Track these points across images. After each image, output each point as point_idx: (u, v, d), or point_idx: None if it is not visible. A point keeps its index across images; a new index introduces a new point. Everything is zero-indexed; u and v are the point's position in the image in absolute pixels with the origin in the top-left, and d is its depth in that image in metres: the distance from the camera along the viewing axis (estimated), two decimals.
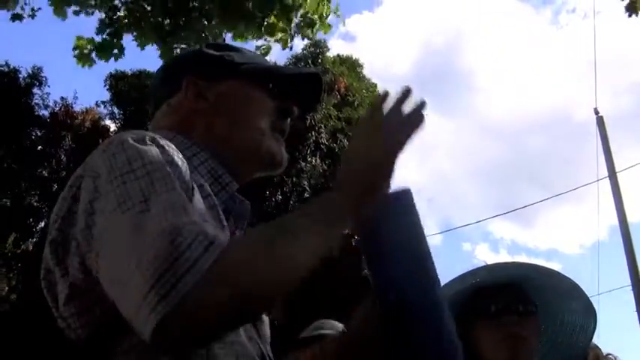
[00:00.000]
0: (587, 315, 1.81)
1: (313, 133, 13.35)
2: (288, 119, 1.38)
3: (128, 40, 6.57)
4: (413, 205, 1.25)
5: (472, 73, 59.83)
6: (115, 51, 6.57)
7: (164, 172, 0.99)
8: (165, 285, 0.84)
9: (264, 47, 6.43)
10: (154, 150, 1.03)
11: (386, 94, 1.23)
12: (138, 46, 6.44)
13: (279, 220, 1.05)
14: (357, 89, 15.21)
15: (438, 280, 1.22)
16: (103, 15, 6.49)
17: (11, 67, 14.77)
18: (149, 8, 6.32)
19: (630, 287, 11.70)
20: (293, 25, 6.40)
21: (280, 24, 6.30)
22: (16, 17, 6.74)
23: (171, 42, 6.29)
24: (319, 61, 14.87)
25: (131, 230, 0.91)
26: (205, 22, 6.30)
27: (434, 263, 1.22)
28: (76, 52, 6.54)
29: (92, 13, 6.50)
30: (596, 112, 12.92)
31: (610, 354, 2.22)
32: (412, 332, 1.17)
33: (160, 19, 6.31)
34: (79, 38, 6.58)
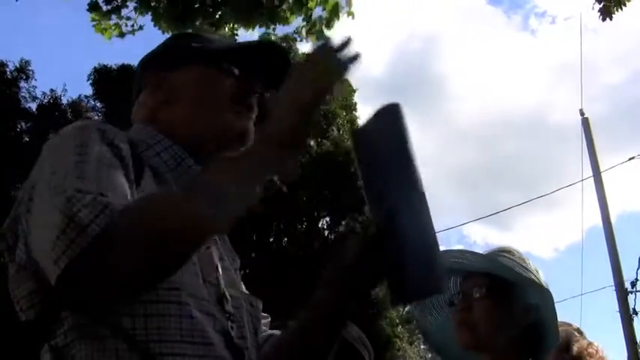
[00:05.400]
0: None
1: None
2: (251, 94, 1.38)
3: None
4: (400, 117, 1.24)
5: (445, 78, 60.25)
6: (129, 27, 6.45)
7: (89, 154, 1.07)
8: (69, 235, 0.94)
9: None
10: (89, 134, 1.12)
11: (326, 43, 1.21)
12: (159, 29, 6.30)
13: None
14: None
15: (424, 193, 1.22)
16: None
17: None
18: None
19: (613, 288, 11.80)
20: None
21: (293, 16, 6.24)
22: None
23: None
24: (291, 54, 14.79)
25: (49, 203, 1.01)
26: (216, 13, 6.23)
27: (420, 175, 1.22)
28: (94, 24, 6.45)
29: None
30: (582, 114, 13.03)
31: (592, 343, 2.19)
32: (402, 244, 1.18)
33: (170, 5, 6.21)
34: (89, 10, 6.48)
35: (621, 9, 6.61)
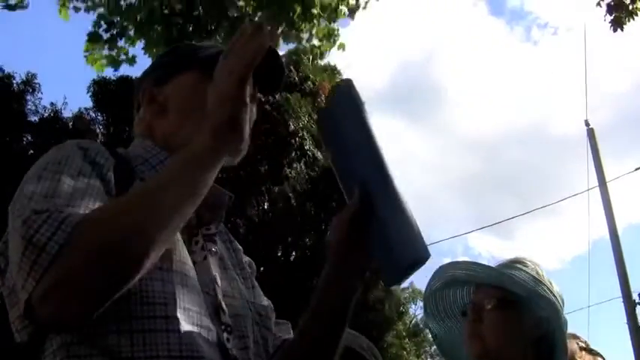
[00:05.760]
0: None
1: (297, 139, 13.31)
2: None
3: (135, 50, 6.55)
4: (356, 96, 1.26)
5: (447, 88, 60.57)
6: (123, 56, 6.52)
7: (65, 170, 1.09)
8: (30, 257, 0.95)
9: None
10: (68, 153, 1.15)
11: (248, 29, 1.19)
12: (149, 56, 6.40)
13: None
14: None
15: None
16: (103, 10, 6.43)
17: (5, 72, 14.74)
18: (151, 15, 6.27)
19: (621, 299, 11.72)
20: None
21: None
22: (11, 7, 6.60)
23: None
24: (299, 67, 14.96)
25: (12, 226, 1.02)
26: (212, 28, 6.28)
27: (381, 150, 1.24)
28: (87, 54, 6.51)
29: (93, 9, 6.43)
30: (587, 124, 12.99)
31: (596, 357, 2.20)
32: (380, 219, 1.19)
33: (164, 26, 6.26)
34: (88, 41, 6.53)
35: (633, 19, 6.63)
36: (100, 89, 12.77)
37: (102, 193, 1.10)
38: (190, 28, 6.29)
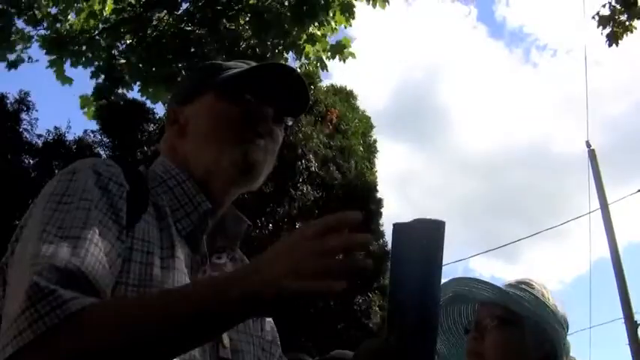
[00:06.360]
0: None
1: (304, 161, 13.35)
2: (262, 121, 1.32)
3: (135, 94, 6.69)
4: (439, 239, 1.18)
5: (448, 110, 60.61)
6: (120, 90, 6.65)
7: (77, 205, 1.07)
8: (22, 323, 0.93)
9: None
10: (83, 179, 1.12)
11: (348, 217, 0.98)
12: (147, 98, 6.55)
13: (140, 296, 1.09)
14: (350, 119, 15.26)
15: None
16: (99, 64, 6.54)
17: None
18: (146, 55, 6.35)
19: (622, 320, 11.69)
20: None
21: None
22: (13, 65, 6.70)
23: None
24: (311, 90, 14.95)
25: (22, 268, 1.00)
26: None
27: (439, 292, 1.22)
28: (85, 109, 6.64)
29: (89, 64, 6.54)
30: (588, 146, 13.05)
31: None
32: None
33: (160, 66, 6.33)
34: (82, 98, 6.66)
35: (627, 34, 6.66)
36: (107, 112, 12.79)
37: (110, 230, 1.07)
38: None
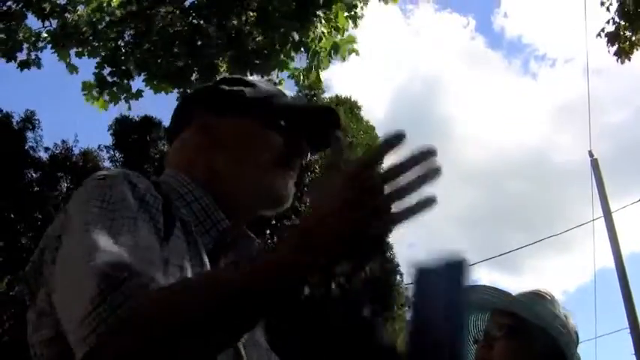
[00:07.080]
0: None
1: (309, 173, 13.39)
2: (298, 156, 1.34)
3: (141, 84, 6.65)
4: (458, 279, 1.14)
5: (447, 120, 60.47)
6: (124, 95, 6.64)
7: (121, 212, 1.04)
8: (101, 315, 0.90)
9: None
10: (120, 188, 1.09)
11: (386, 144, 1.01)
12: (150, 88, 6.50)
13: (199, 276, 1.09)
14: (355, 130, 15.29)
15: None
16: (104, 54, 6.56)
17: (4, 112, 14.91)
18: (152, 48, 6.36)
19: (628, 330, 11.65)
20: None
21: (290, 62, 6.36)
22: (24, 65, 6.74)
23: (184, 86, 6.31)
24: (315, 101, 14.95)
25: (80, 269, 0.96)
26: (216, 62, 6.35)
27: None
28: (85, 92, 6.63)
29: (95, 55, 6.56)
30: (591, 155, 13.04)
31: None
32: None
33: (166, 60, 6.34)
34: (85, 83, 6.67)
35: (638, 49, 6.69)
36: (122, 127, 12.84)
37: (160, 238, 1.07)
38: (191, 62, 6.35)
